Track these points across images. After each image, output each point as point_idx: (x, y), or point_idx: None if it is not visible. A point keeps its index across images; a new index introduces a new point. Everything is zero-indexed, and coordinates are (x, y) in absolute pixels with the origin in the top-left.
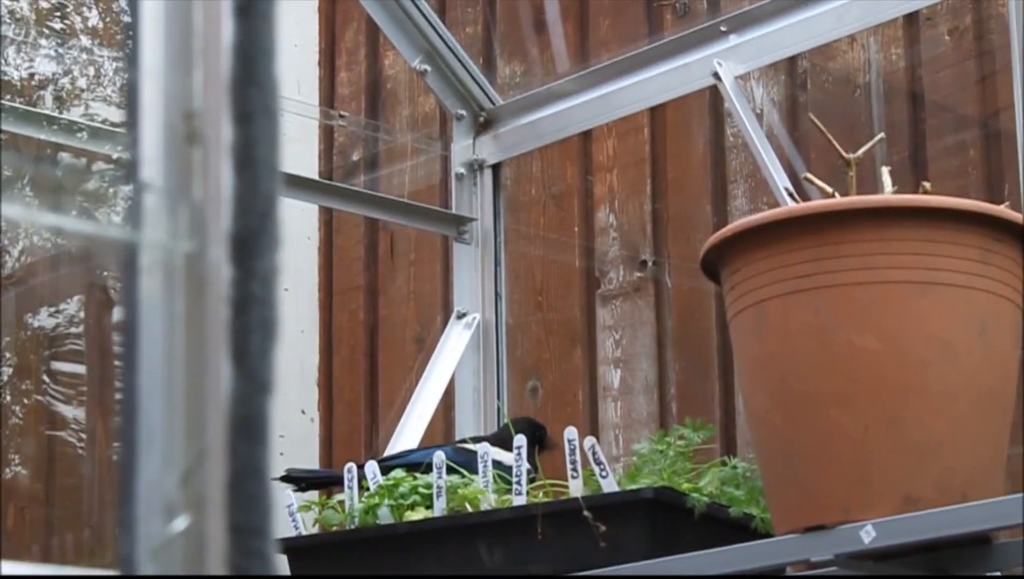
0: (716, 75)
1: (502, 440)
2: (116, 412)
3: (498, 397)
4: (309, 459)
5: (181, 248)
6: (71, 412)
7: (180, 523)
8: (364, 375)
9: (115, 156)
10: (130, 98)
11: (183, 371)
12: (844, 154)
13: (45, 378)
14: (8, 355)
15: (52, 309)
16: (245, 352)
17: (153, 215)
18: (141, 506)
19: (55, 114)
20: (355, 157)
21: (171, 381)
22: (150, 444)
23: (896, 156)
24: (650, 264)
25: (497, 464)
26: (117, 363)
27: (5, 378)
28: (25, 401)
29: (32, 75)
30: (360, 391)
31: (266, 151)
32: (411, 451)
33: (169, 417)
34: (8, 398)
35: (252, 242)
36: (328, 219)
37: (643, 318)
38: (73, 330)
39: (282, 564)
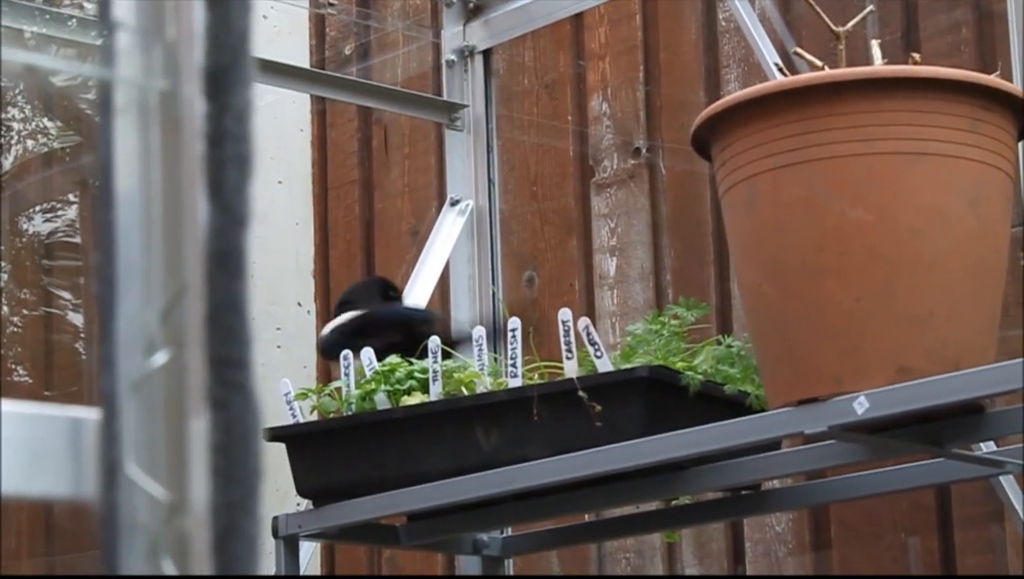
0: None
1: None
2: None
3: (492, 282)
4: (307, 350)
5: (155, 86)
6: (70, 315)
7: (160, 358)
8: (361, 269)
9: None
10: None
11: (160, 208)
12: (833, 27)
13: (42, 278)
14: (4, 264)
15: (49, 213)
16: (221, 186)
17: (126, 54)
18: (121, 343)
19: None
20: (347, 50)
21: (148, 218)
22: (129, 281)
23: (889, 36)
24: (644, 151)
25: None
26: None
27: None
28: (25, 311)
29: None
30: None
31: None
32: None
33: (147, 254)
34: (5, 303)
35: (226, 77)
36: (321, 110)
37: (638, 205)
38: (74, 239)
39: (281, 452)
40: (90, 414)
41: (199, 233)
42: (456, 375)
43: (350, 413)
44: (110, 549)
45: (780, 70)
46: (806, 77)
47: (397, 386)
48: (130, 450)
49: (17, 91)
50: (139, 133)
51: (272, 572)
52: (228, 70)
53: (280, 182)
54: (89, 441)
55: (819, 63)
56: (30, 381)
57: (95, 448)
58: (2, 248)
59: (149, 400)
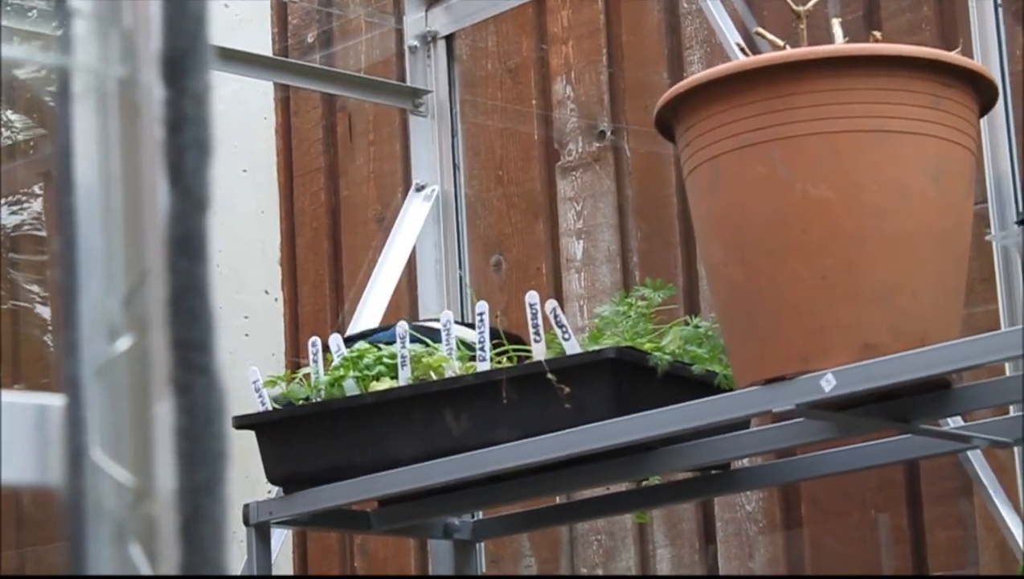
0: None
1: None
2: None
3: (460, 268)
4: (274, 339)
5: (113, 73)
6: (38, 308)
7: (123, 343)
8: (327, 257)
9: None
10: None
11: (120, 193)
12: (794, 7)
13: (9, 271)
14: None
15: (14, 206)
16: (181, 171)
17: (84, 41)
18: (84, 328)
19: None
20: (309, 38)
21: (108, 204)
22: (90, 267)
23: (850, 15)
24: (608, 134)
25: (460, 342)
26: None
27: None
28: None
29: None
30: (324, 273)
31: None
32: (372, 331)
33: (108, 239)
34: None
35: (183, 62)
36: (285, 97)
37: (603, 188)
38: (40, 232)
39: (250, 439)
40: (55, 400)
41: (160, 218)
42: (424, 360)
43: (319, 399)
44: (77, 535)
45: (742, 50)
46: (768, 57)
47: (366, 372)
48: (95, 436)
49: None
50: (98, 120)
51: (244, 559)
52: (186, 55)
53: (245, 171)
54: (54, 427)
55: (781, 43)
56: None
57: (60, 434)
58: None
59: (113, 385)
